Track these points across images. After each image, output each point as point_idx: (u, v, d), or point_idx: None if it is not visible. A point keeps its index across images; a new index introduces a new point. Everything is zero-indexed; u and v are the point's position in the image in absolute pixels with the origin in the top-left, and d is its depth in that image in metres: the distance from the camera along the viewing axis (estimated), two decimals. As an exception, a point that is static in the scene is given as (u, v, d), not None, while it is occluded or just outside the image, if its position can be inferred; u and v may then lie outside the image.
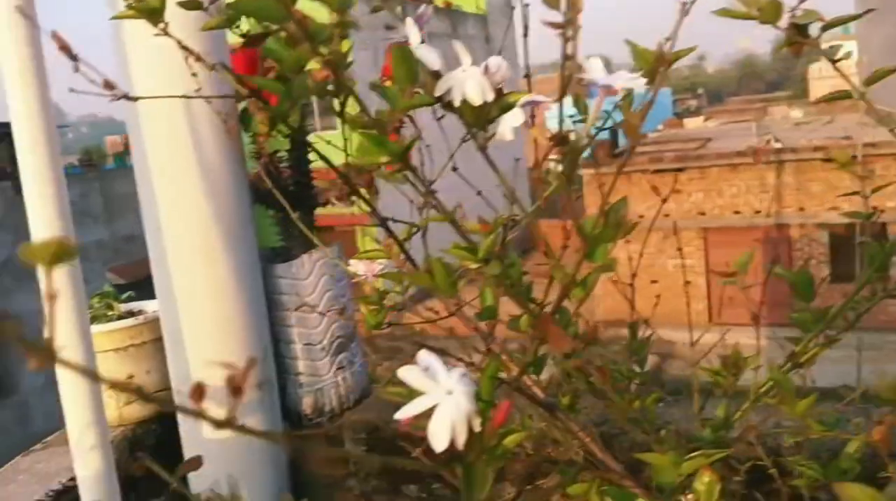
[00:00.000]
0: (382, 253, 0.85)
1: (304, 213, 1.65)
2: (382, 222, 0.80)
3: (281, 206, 1.73)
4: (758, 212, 12.86)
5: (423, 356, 0.49)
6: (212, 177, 1.55)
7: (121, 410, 1.86)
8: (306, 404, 1.76)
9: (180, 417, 1.76)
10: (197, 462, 0.76)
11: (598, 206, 0.76)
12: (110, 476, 1.45)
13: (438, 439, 0.47)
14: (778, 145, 13.14)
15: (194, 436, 1.74)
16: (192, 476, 1.76)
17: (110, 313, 1.93)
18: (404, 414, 0.47)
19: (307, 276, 1.70)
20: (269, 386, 1.71)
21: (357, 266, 0.89)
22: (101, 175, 13.66)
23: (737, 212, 13.28)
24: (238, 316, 1.64)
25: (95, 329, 1.69)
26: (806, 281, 0.73)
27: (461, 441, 0.47)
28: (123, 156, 16.95)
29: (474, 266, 0.63)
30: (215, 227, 1.58)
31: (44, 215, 1.34)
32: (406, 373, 0.48)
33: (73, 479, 1.59)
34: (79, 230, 1.49)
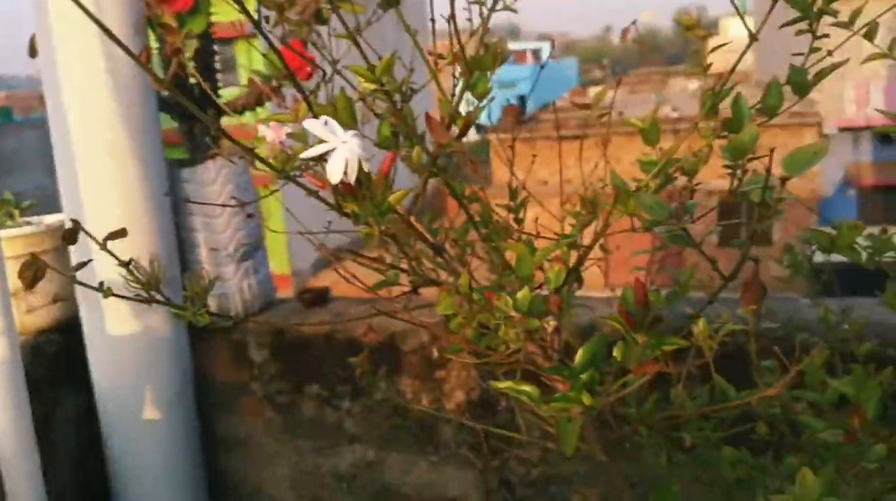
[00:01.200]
0: (289, 117, 0.93)
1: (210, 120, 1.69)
2: (291, 74, 0.87)
3: (186, 115, 1.77)
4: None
5: (324, 116, 0.58)
6: (118, 78, 1.58)
7: (22, 319, 1.87)
8: (210, 307, 1.82)
9: (85, 321, 1.79)
10: (123, 231, 0.82)
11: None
12: (16, 364, 1.48)
13: (334, 173, 0.57)
14: (675, 114, 13.63)
15: (98, 339, 1.77)
16: (96, 375, 1.81)
17: (10, 223, 1.93)
18: (307, 154, 0.56)
19: (212, 183, 1.75)
20: (173, 288, 1.76)
21: (265, 131, 0.96)
22: (-16, 132, 12.94)
23: (635, 180, 13.70)
24: (145, 217, 1.68)
25: (-4, 234, 1.70)
26: (654, 128, 0.86)
27: (353, 176, 0.56)
28: (9, 111, 16.18)
29: (372, 87, 0.71)
30: (122, 128, 1.61)
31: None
32: (310, 124, 0.57)
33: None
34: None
